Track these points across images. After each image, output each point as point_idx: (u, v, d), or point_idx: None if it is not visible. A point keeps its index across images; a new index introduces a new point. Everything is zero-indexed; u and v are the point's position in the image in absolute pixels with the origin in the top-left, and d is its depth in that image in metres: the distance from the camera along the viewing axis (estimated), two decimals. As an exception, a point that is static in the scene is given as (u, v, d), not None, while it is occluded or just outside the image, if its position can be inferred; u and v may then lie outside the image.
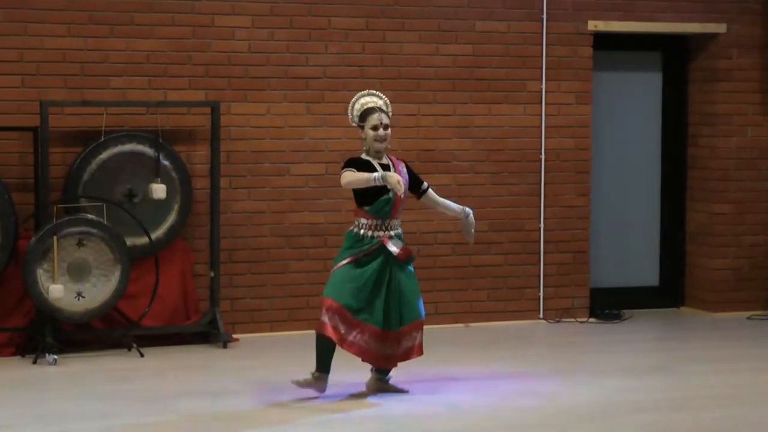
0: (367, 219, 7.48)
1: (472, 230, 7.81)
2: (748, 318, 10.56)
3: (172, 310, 9.25)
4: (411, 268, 7.61)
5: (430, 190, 7.80)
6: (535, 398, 7.65)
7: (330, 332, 7.38)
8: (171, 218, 9.26)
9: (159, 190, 9.03)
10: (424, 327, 7.68)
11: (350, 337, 7.41)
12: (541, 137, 10.28)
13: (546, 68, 10.24)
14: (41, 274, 8.70)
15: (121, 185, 9.14)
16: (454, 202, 10.13)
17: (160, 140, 9.14)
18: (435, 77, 10.01)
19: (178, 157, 9.28)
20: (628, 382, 8.12)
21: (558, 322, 10.31)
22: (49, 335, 8.67)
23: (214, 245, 9.30)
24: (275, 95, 9.64)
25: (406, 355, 7.59)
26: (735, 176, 10.71)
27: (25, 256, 8.67)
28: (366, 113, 7.54)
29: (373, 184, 7.33)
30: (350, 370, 7.72)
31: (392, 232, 7.53)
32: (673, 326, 10.47)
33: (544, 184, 10.31)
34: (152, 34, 9.34)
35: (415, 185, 7.71)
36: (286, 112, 9.67)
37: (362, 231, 7.49)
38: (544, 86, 10.25)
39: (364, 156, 7.55)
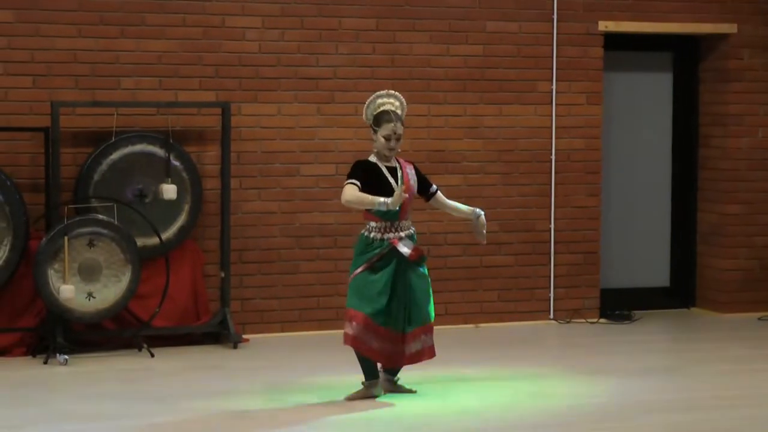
0: (377, 222, 7.48)
1: (484, 231, 7.79)
2: (759, 319, 10.55)
3: (183, 311, 9.26)
4: (424, 269, 7.59)
5: (439, 192, 7.79)
6: (545, 399, 7.65)
7: (353, 342, 7.40)
8: (181, 218, 9.27)
9: (169, 191, 9.05)
10: (435, 328, 7.67)
11: (371, 344, 7.40)
12: (551, 138, 10.28)
13: (557, 69, 10.24)
14: (52, 275, 8.72)
15: (132, 186, 9.15)
16: (465, 203, 10.15)
17: (171, 141, 9.16)
18: (445, 78, 10.00)
19: (189, 157, 9.29)
20: (639, 383, 8.11)
21: (568, 322, 10.31)
22: (59, 335, 8.69)
23: (225, 245, 9.31)
24: (286, 96, 9.65)
25: (417, 358, 7.57)
26: (746, 177, 10.69)
27: (36, 256, 8.69)
28: (382, 119, 7.50)
29: (376, 208, 7.33)
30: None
31: (403, 233, 7.52)
32: (683, 327, 10.45)
33: (555, 184, 10.31)
34: (163, 34, 9.35)
35: (423, 188, 7.70)
36: (297, 112, 9.68)
37: (372, 234, 7.48)
38: (554, 87, 10.24)
39: (372, 158, 7.54)
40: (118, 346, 9.02)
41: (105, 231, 8.83)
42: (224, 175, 9.30)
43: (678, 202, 11.05)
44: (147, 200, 9.17)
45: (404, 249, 7.47)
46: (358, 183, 7.40)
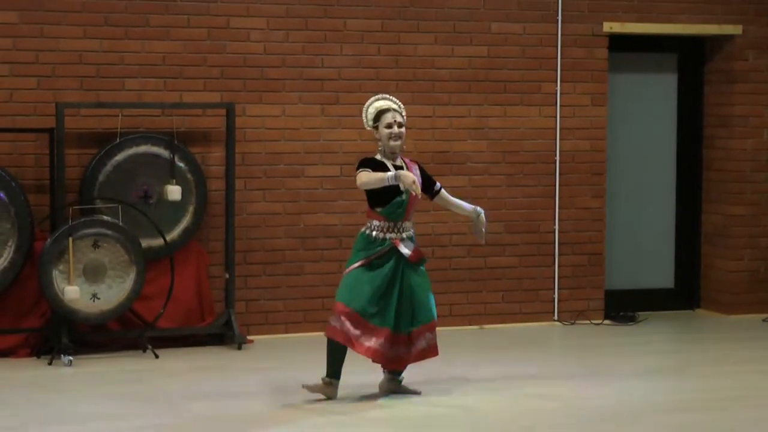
0: (380, 221, 7.48)
1: (483, 230, 7.79)
2: (764, 320, 10.54)
3: (187, 312, 9.27)
4: (423, 268, 7.60)
5: (443, 190, 7.80)
6: (549, 400, 7.64)
7: (340, 337, 7.39)
8: (186, 220, 9.28)
9: (174, 192, 9.05)
10: (438, 328, 7.67)
11: (362, 340, 7.40)
12: (556, 139, 10.28)
13: (561, 70, 10.23)
14: (57, 276, 8.72)
15: (137, 187, 9.16)
16: (469, 203, 10.17)
17: (176, 142, 9.16)
18: (450, 79, 10.00)
19: (193, 158, 9.30)
20: (644, 384, 8.11)
21: (573, 324, 10.30)
22: (64, 336, 8.70)
23: (229, 247, 9.31)
24: (290, 97, 9.65)
25: (421, 356, 7.58)
26: (751, 178, 10.68)
27: (40, 257, 8.70)
28: (380, 113, 7.55)
29: (386, 183, 7.32)
30: (363, 371, 7.72)
31: (404, 234, 7.52)
32: (688, 328, 10.44)
33: (559, 185, 10.30)
34: (167, 35, 9.36)
35: (428, 186, 7.71)
36: (301, 113, 9.68)
37: (374, 233, 7.49)
38: (559, 88, 10.24)
39: (378, 157, 7.55)
40: (122, 347, 9.03)
41: (110, 232, 8.83)
42: (229, 176, 9.30)
43: (683, 203, 11.04)
44: (151, 201, 9.18)
45: (405, 250, 7.47)
46: (370, 170, 7.41)
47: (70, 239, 8.70)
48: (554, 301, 10.34)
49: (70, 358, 8.59)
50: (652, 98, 10.94)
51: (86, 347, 8.91)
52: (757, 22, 10.63)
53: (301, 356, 8.96)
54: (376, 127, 7.55)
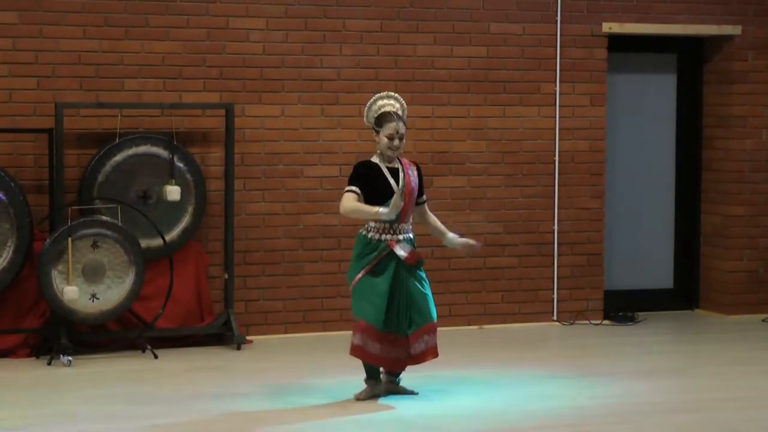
0: (376, 222, 7.47)
1: (465, 242, 7.73)
2: (763, 320, 10.54)
3: (186, 312, 9.27)
4: (422, 271, 7.59)
5: (425, 205, 7.74)
6: (548, 400, 7.64)
7: (363, 355, 7.43)
8: (185, 220, 9.28)
9: (173, 192, 9.05)
10: (438, 328, 7.66)
11: (372, 350, 7.42)
12: (555, 139, 10.28)
13: (561, 70, 10.24)
14: (56, 276, 8.72)
15: (136, 187, 9.16)
16: (469, 204, 10.19)
17: (175, 142, 9.16)
18: (449, 79, 10.01)
19: (193, 159, 9.30)
20: (643, 384, 8.11)
21: (572, 324, 10.30)
22: (63, 337, 8.70)
23: (228, 247, 9.31)
24: (290, 97, 9.65)
25: (421, 358, 7.58)
26: (750, 178, 10.68)
27: (40, 257, 8.70)
28: (384, 119, 7.50)
29: (378, 217, 7.35)
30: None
31: (401, 236, 7.50)
32: (687, 328, 10.45)
33: (559, 186, 10.30)
34: (167, 36, 9.36)
35: (417, 193, 7.65)
36: (301, 114, 9.69)
37: (370, 234, 7.48)
38: (558, 88, 10.24)
39: (374, 159, 7.54)
40: (121, 348, 9.03)
41: (109, 232, 8.83)
42: (228, 176, 9.30)
43: (682, 204, 11.05)
44: (151, 201, 9.18)
45: (401, 252, 7.46)
46: (358, 191, 7.41)
47: (70, 239, 8.70)
48: (553, 301, 10.35)
49: (70, 358, 8.59)
50: (652, 98, 10.95)
51: (85, 347, 8.91)
52: (756, 23, 10.63)
53: (301, 356, 8.96)
54: (377, 131, 7.53)
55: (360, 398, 7.55)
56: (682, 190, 11.04)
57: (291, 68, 9.63)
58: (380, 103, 7.61)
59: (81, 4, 9.17)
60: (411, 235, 7.58)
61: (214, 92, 9.47)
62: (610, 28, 10.31)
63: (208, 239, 9.49)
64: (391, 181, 7.47)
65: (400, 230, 7.50)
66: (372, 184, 7.44)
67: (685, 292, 11.05)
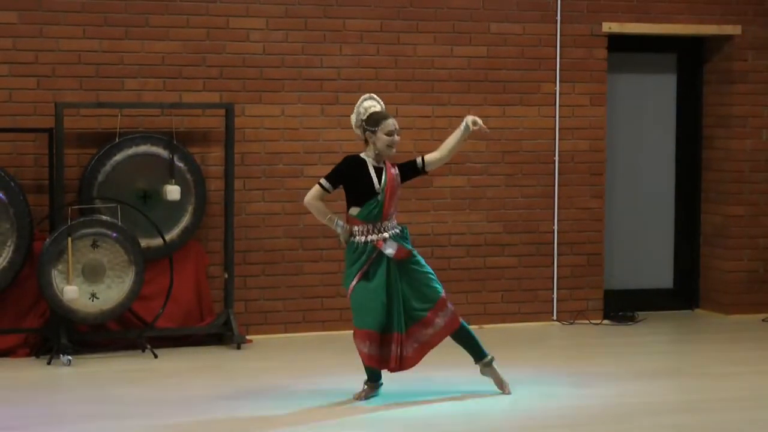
0: (358, 225, 7.47)
1: (478, 126, 7.70)
2: (763, 320, 10.54)
3: (186, 312, 9.27)
4: (415, 253, 7.57)
5: (427, 156, 7.68)
6: (548, 400, 7.64)
7: (372, 361, 7.43)
8: (185, 220, 9.28)
9: (173, 192, 9.05)
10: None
11: (385, 354, 7.43)
12: (555, 139, 10.28)
13: (560, 70, 10.24)
14: (56, 276, 8.72)
15: (136, 187, 9.16)
16: (469, 204, 10.19)
17: (175, 142, 9.16)
18: (449, 79, 10.00)
19: (193, 158, 9.30)
20: (643, 384, 8.11)
21: (572, 324, 10.30)
22: (63, 336, 8.70)
23: (228, 246, 9.31)
24: (290, 97, 9.65)
25: (445, 332, 7.58)
26: (750, 178, 10.68)
27: (39, 257, 8.70)
28: (379, 118, 7.51)
29: (330, 225, 7.45)
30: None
31: (386, 234, 7.49)
32: (687, 328, 10.45)
33: (559, 185, 10.30)
34: (167, 35, 9.36)
35: (412, 169, 7.64)
36: (301, 113, 9.69)
37: (356, 238, 7.47)
38: (558, 88, 10.24)
39: (362, 155, 7.54)
40: (121, 347, 9.03)
41: (109, 232, 8.83)
42: (228, 176, 9.30)
43: (682, 204, 11.05)
44: (151, 201, 9.17)
45: (389, 250, 7.44)
46: (330, 188, 7.45)
47: (69, 239, 8.70)
48: (553, 301, 10.35)
49: (69, 358, 8.59)
50: (652, 98, 10.94)
51: (85, 347, 8.91)
52: (756, 23, 10.63)
53: (301, 356, 8.96)
54: (373, 131, 7.52)
55: (359, 398, 7.55)
56: (682, 190, 11.04)
57: (291, 68, 9.63)
58: (366, 104, 7.61)
59: (81, 4, 9.17)
60: (398, 230, 7.54)
61: (214, 92, 9.47)
62: (610, 28, 10.31)
63: (208, 239, 9.49)
64: (375, 180, 7.46)
65: (384, 228, 7.49)
66: (356, 181, 7.45)
67: (685, 292, 11.05)
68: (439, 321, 7.58)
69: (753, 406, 7.59)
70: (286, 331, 9.69)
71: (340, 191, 7.57)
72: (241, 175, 9.48)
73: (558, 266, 10.33)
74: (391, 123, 7.51)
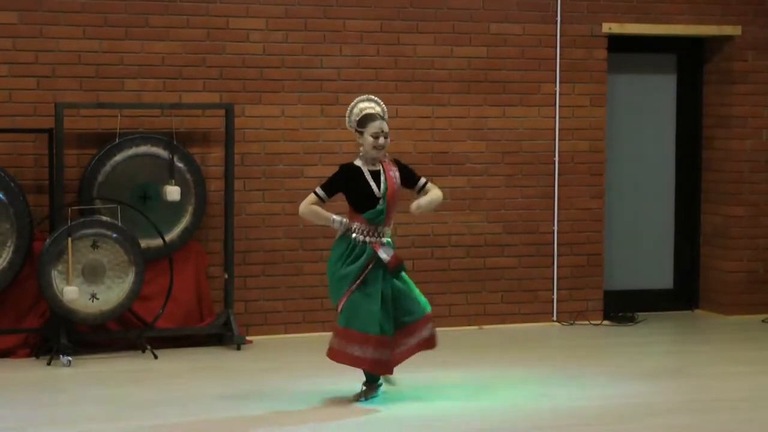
0: (361, 222, 7.45)
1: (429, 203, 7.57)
2: (763, 321, 10.54)
3: (186, 312, 9.27)
4: (404, 275, 7.56)
5: (428, 185, 7.61)
6: (548, 401, 7.65)
7: (370, 366, 7.42)
8: (185, 220, 9.28)
9: (173, 192, 9.05)
10: (438, 328, 7.65)
11: (385, 357, 7.42)
12: (555, 139, 10.28)
13: (560, 70, 10.24)
14: (56, 276, 8.72)
15: (136, 187, 9.15)
16: (469, 204, 10.20)
17: (175, 142, 9.16)
18: (449, 79, 10.01)
19: (193, 159, 9.30)
20: (643, 385, 8.11)
21: (572, 324, 10.30)
22: (63, 337, 8.70)
23: (228, 247, 9.31)
24: (290, 97, 9.65)
25: (423, 345, 7.54)
26: (750, 179, 10.68)
27: (39, 257, 8.70)
28: (367, 119, 7.47)
29: (328, 224, 7.43)
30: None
31: (384, 239, 7.49)
32: (687, 329, 10.45)
33: (558, 186, 10.31)
34: (167, 36, 9.36)
35: (411, 181, 7.61)
36: (301, 114, 9.69)
37: (354, 234, 7.45)
38: (558, 88, 10.24)
39: (357, 162, 7.52)
40: (121, 348, 9.04)
41: (109, 232, 8.84)
42: (228, 176, 9.30)
43: (682, 204, 11.05)
44: (151, 202, 9.17)
45: (384, 255, 7.42)
46: (325, 197, 7.44)
47: (69, 239, 8.70)
48: (553, 301, 10.35)
49: (69, 358, 8.59)
50: (651, 99, 10.95)
51: (85, 347, 8.92)
52: (756, 23, 10.63)
53: (301, 357, 8.96)
54: (360, 132, 7.50)
55: (359, 399, 7.54)
56: (681, 190, 11.05)
57: (291, 68, 9.63)
58: (361, 105, 7.59)
59: (81, 4, 9.17)
60: (390, 239, 7.54)
61: (214, 92, 9.47)
62: (610, 28, 10.31)
63: (208, 239, 9.49)
64: (373, 185, 7.44)
65: (383, 233, 7.48)
66: (354, 188, 7.43)
67: (685, 293, 11.05)
68: (408, 342, 7.53)
69: (753, 406, 7.59)
70: (286, 332, 9.69)
71: (340, 196, 7.55)
72: (241, 176, 9.49)
73: (558, 267, 10.33)
74: (377, 125, 7.44)
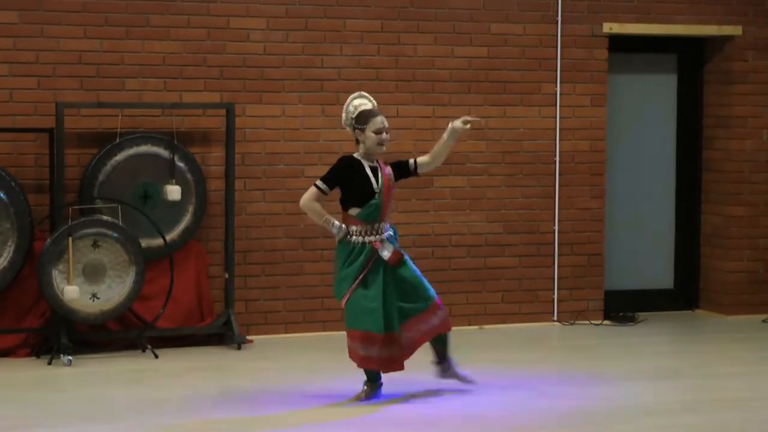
0: (357, 225, 7.45)
1: (470, 122, 7.67)
2: (763, 321, 10.54)
3: (187, 312, 9.27)
4: (407, 258, 7.57)
5: (419, 159, 7.65)
6: (549, 401, 7.65)
7: (374, 364, 7.43)
8: (186, 220, 9.28)
9: (174, 192, 9.05)
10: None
11: (384, 355, 7.42)
12: (555, 139, 10.28)
13: (561, 70, 10.24)
14: (56, 276, 8.73)
15: (137, 187, 9.16)
16: (469, 204, 10.19)
17: (175, 142, 9.17)
18: (450, 79, 10.01)
19: (193, 158, 9.30)
20: (643, 385, 8.11)
21: (572, 324, 10.31)
22: (64, 336, 8.70)
23: (229, 247, 9.31)
24: (290, 97, 9.65)
25: (433, 331, 7.58)
26: (750, 179, 10.69)
27: (40, 257, 8.70)
28: (367, 115, 7.47)
29: (326, 227, 7.42)
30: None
31: (384, 235, 7.49)
32: (687, 329, 10.45)
33: (559, 186, 10.31)
34: (168, 35, 9.36)
35: (404, 170, 7.63)
36: (301, 113, 9.69)
37: (354, 237, 7.46)
38: (559, 88, 10.24)
39: (356, 155, 7.52)
40: (122, 347, 9.04)
41: (109, 232, 8.84)
42: (228, 176, 9.31)
43: (682, 204, 11.05)
44: (151, 201, 9.17)
45: (385, 253, 7.43)
46: (327, 189, 7.42)
47: (70, 239, 8.71)
48: (554, 301, 10.35)
49: (70, 358, 8.59)
50: (652, 99, 10.95)
51: (86, 347, 8.92)
52: (756, 23, 10.64)
53: (301, 356, 8.97)
54: (362, 129, 7.49)
55: (360, 399, 7.55)
56: (682, 190, 11.05)
57: (291, 68, 9.64)
58: (356, 103, 7.58)
59: (81, 4, 9.18)
60: (392, 232, 7.54)
61: (214, 92, 9.47)
62: (611, 28, 10.31)
63: (208, 239, 9.49)
64: (373, 179, 7.45)
65: (381, 229, 7.48)
66: (354, 181, 7.43)
67: (685, 293, 11.05)
68: (433, 320, 7.56)
69: (753, 407, 7.59)
70: (286, 332, 9.70)
71: (335, 192, 7.56)
72: (241, 175, 9.49)
73: (558, 266, 10.34)
74: (380, 120, 7.46)
